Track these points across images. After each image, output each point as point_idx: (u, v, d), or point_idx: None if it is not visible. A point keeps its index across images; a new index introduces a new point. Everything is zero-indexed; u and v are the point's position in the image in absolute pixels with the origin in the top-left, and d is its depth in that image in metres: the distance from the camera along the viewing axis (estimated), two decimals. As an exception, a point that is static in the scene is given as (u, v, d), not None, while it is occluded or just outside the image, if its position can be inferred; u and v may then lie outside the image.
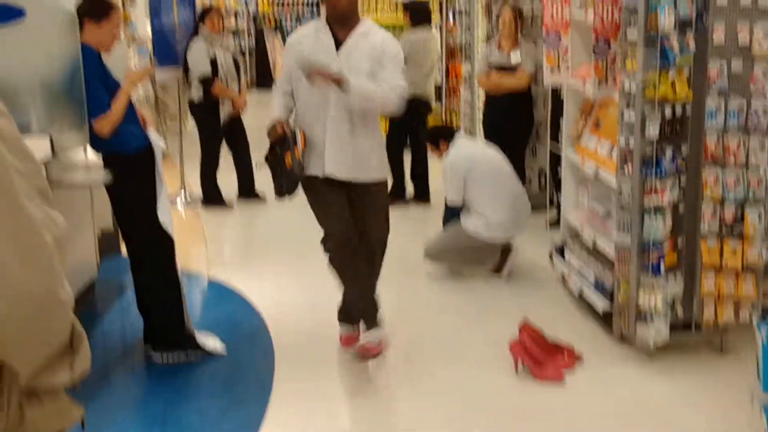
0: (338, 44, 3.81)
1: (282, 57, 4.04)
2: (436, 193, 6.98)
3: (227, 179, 7.30)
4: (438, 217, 5.79)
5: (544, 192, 6.56)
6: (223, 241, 6.52)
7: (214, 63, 6.86)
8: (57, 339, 1.44)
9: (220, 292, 5.13)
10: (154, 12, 7.43)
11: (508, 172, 5.42)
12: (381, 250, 4.08)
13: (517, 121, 6.49)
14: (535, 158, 6.90)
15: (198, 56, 6.83)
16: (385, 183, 4.12)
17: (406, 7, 7.58)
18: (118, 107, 3.87)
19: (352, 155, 3.83)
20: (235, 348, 4.20)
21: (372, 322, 3.97)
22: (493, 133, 6.56)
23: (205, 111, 7.00)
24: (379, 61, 3.80)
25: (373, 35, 3.87)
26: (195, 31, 7.00)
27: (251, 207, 7.25)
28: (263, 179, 7.38)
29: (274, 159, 3.85)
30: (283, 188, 3.89)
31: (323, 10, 4.01)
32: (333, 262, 4.00)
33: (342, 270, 3.98)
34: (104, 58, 3.98)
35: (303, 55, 3.77)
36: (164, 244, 3.99)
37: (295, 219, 6.78)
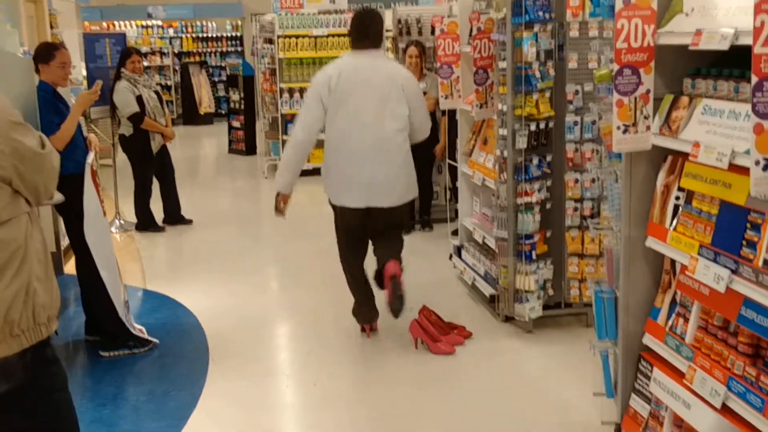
0: None
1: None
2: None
3: (154, 206, 7.84)
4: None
5: (449, 205, 7.29)
6: (157, 260, 7.04)
7: (140, 100, 7.39)
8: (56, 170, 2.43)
9: (157, 300, 5.69)
10: (90, 55, 8.02)
11: None
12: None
13: (422, 142, 7.20)
14: (441, 175, 7.66)
15: (124, 96, 7.34)
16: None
17: None
18: (67, 126, 4.56)
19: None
20: (174, 344, 4.80)
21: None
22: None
23: (137, 144, 7.54)
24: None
25: None
26: (118, 74, 7.50)
27: (180, 230, 7.81)
28: (188, 205, 8.03)
29: None
30: None
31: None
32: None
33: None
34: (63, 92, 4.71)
35: None
36: (90, 255, 4.45)
37: (221, 239, 7.43)
